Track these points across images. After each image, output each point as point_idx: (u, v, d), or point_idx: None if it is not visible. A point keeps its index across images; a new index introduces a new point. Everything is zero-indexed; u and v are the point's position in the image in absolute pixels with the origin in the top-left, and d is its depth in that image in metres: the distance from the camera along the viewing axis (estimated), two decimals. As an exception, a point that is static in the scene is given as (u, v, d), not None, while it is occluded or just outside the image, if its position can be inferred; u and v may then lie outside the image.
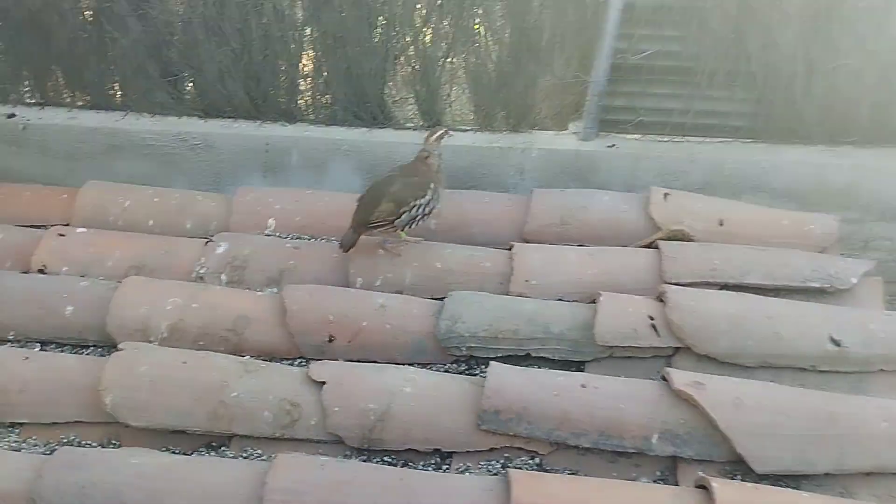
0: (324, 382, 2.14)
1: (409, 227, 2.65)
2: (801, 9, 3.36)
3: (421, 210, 2.65)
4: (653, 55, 3.44)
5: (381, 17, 3.42)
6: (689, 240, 2.70)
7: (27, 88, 3.53)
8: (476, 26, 3.45)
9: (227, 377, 2.14)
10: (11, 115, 3.43)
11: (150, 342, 2.33)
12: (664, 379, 2.19)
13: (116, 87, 3.52)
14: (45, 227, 2.83)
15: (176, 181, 3.54)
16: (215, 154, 3.49)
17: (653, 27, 3.41)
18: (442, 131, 2.79)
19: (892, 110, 3.54)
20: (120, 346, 2.24)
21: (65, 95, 3.54)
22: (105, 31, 3.36)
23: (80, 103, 3.55)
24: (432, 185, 2.69)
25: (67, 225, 2.85)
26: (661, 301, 2.39)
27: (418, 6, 3.41)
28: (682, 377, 2.14)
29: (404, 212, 2.61)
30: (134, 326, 2.35)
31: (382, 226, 2.61)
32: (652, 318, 2.34)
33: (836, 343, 2.28)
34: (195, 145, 3.47)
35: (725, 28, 3.39)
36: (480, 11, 3.43)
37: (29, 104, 3.53)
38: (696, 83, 3.49)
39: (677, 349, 2.33)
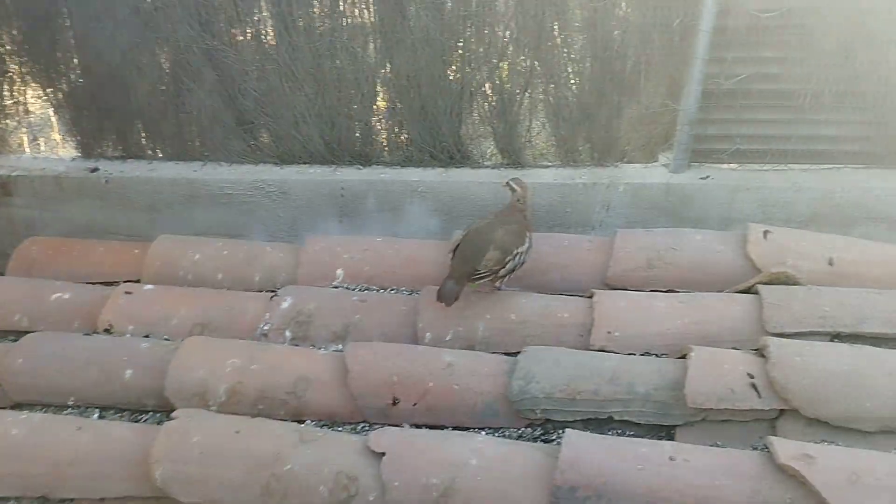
0: (383, 454, 1.98)
1: (509, 277, 2.51)
2: (917, 20, 3.03)
3: (521, 258, 2.51)
4: (749, 78, 3.19)
5: (455, 54, 3.30)
6: (794, 283, 2.41)
7: (109, 142, 3.58)
8: (555, 58, 3.27)
9: (282, 447, 2.01)
10: (95, 170, 3.48)
11: (209, 406, 2.24)
12: (766, 449, 1.92)
13: (194, 138, 3.53)
14: (116, 283, 2.81)
15: (253, 229, 3.51)
16: (291, 200, 3.44)
17: (748, 49, 3.16)
18: (527, 182, 2.65)
19: None
20: (173, 414, 2.15)
21: (145, 148, 3.57)
22: (182, 83, 3.38)
23: (159, 155, 3.58)
24: (528, 234, 2.55)
25: (138, 281, 2.83)
26: (763, 356, 2.12)
27: (493, 41, 3.27)
28: (787, 448, 1.87)
29: (509, 260, 2.47)
30: (192, 391, 2.26)
31: (487, 276, 2.47)
32: (752, 376, 2.08)
33: (970, 404, 1.96)
34: (271, 192, 3.43)
35: (830, 46, 3.10)
36: (559, 42, 3.25)
37: (111, 158, 3.58)
38: (799, 106, 3.21)
39: (782, 412, 2.06)
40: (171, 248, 2.90)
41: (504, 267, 2.45)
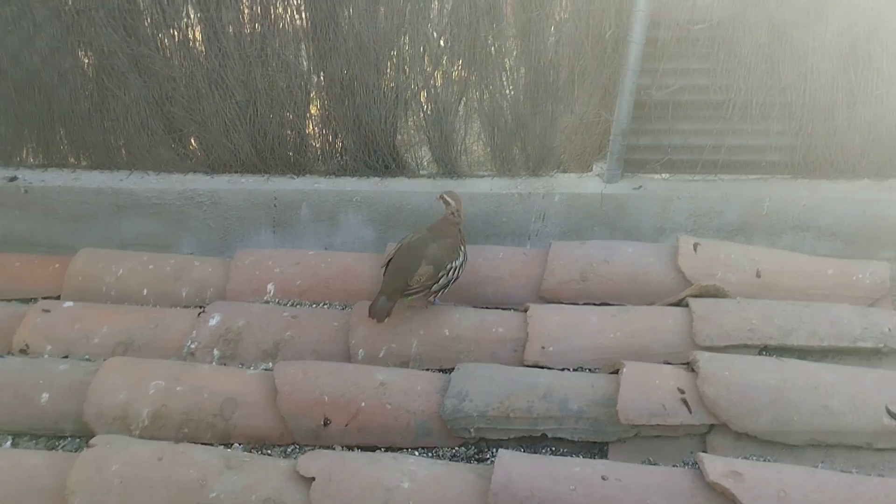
0: (313, 478, 1.92)
1: (443, 292, 2.47)
2: (839, 34, 3.12)
3: (455, 273, 2.47)
4: (680, 90, 3.23)
5: (389, 63, 3.26)
6: (724, 295, 2.45)
7: (29, 150, 3.43)
8: (490, 66, 3.26)
9: (207, 474, 1.94)
10: (13, 178, 3.34)
11: (131, 431, 2.16)
12: (697, 466, 1.94)
13: (120, 146, 3.40)
14: (35, 300, 2.69)
15: (183, 240, 3.41)
16: (222, 210, 3.36)
17: (678, 60, 3.20)
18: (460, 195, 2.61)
19: (945, 139, 3.27)
20: (91, 441, 2.05)
21: (68, 156, 3.44)
22: (106, 89, 3.26)
23: (83, 164, 3.45)
24: (462, 248, 2.51)
25: (58, 297, 2.71)
26: (693, 370, 2.15)
27: (428, 49, 3.24)
28: (717, 466, 1.89)
29: (442, 275, 2.43)
30: (113, 414, 2.17)
31: (420, 291, 2.42)
32: (682, 391, 2.10)
33: (894, 416, 2.01)
34: (201, 202, 3.34)
35: (757, 58, 3.16)
36: (494, 51, 3.24)
37: (31, 166, 3.44)
38: (728, 117, 3.26)
39: (712, 426, 2.08)
40: (94, 263, 2.79)
41: (437, 282, 2.42)
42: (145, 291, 2.70)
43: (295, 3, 3.16)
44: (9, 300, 2.79)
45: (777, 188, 3.34)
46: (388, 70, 3.28)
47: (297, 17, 3.21)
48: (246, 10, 3.19)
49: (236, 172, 3.43)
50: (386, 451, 2.19)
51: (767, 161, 3.37)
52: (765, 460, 2.05)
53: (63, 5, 3.12)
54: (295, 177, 3.43)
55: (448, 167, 3.45)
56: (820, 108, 3.23)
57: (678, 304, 2.47)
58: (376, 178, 3.42)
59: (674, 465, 2.08)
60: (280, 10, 3.20)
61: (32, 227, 3.36)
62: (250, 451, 2.18)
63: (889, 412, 2.02)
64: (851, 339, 2.24)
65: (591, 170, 3.48)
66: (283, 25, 3.20)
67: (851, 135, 3.27)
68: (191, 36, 3.22)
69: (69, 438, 2.29)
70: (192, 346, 2.43)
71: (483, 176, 3.46)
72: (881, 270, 2.51)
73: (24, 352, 2.49)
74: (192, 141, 3.42)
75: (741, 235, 3.34)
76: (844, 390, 2.05)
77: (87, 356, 2.47)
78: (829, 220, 3.30)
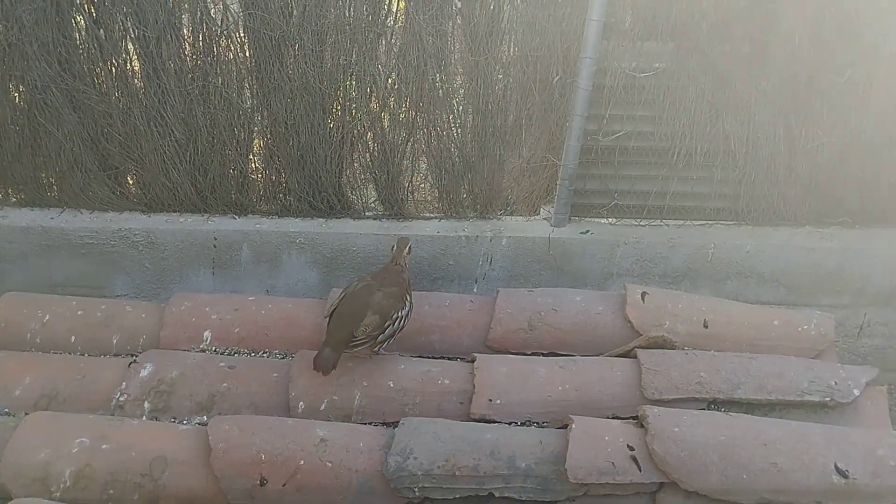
0: (244, 549, 1.82)
1: (388, 342, 2.39)
2: (779, 85, 3.19)
3: (401, 323, 2.40)
4: (625, 136, 3.25)
5: (335, 103, 3.20)
6: (672, 347, 2.43)
7: (-47, 185, 3.27)
8: (437, 109, 3.23)
9: (130, 543, 1.82)
10: (-65, 216, 3.17)
11: (52, 493, 2.01)
12: (647, 525, 1.90)
13: (51, 183, 3.26)
14: (-48, 349, 2.52)
15: (117, 281, 3.28)
16: (159, 251, 3.24)
17: (624, 107, 3.23)
18: (409, 244, 2.54)
19: (879, 189, 3.35)
20: (8, 504, 1.92)
21: (-6, 192, 3.29)
22: (38, 125, 3.12)
23: (12, 200, 3.29)
24: (408, 296, 2.44)
25: (-22, 346, 2.55)
26: (642, 426, 2.11)
27: (375, 90, 3.20)
28: (663, 529, 1.85)
29: (388, 325, 2.35)
30: (32, 475, 2.02)
31: (365, 342, 2.34)
32: (632, 448, 2.05)
33: (843, 475, 2.00)
34: (137, 242, 3.22)
35: (700, 106, 3.21)
36: (441, 94, 3.21)
37: (-46, 202, 3.28)
38: (673, 164, 3.30)
39: (662, 484, 2.04)
40: (18, 308, 2.62)
41: (383, 332, 2.35)
42: (73, 339, 2.55)
43: (238, 40, 3.08)
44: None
45: (721, 234, 3.37)
46: (335, 110, 3.23)
47: (240, 54, 3.14)
48: (188, 46, 3.10)
49: (175, 212, 3.31)
50: (326, 513, 2.09)
51: (711, 207, 3.41)
52: (715, 524, 2.02)
53: (-7, 37, 2.99)
54: (236, 217, 3.33)
55: (395, 209, 3.39)
56: (762, 157, 3.28)
57: (626, 354, 2.45)
58: (321, 220, 3.34)
59: (624, 528, 2.04)
60: (224, 45, 3.12)
61: (-46, 268, 3.19)
62: (180, 515, 2.06)
63: (838, 470, 2.01)
64: (798, 393, 2.24)
65: (539, 213, 3.47)
66: (227, 62, 3.12)
67: (792, 183, 3.33)
68: (129, 71, 3.11)
69: (-16, 503, 2.14)
70: (122, 399, 2.30)
71: (430, 218, 3.42)
72: (826, 322, 2.53)
73: (-62, 406, 2.33)
74: (129, 179, 3.30)
75: (686, 281, 3.36)
76: (793, 447, 2.03)
77: (6, 410, 2.31)
78: (772, 267, 3.35)
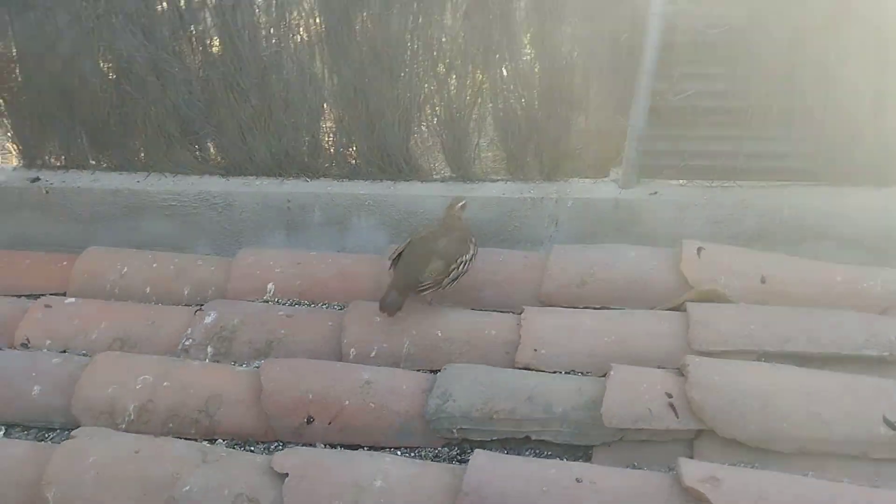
0: (286, 475, 1.91)
1: (452, 285, 2.48)
2: (862, 38, 3.02)
3: (465, 267, 2.49)
4: (697, 95, 3.16)
5: (403, 67, 3.26)
6: (725, 301, 2.38)
7: (51, 152, 3.51)
8: (504, 70, 3.24)
9: (181, 469, 1.93)
10: (36, 179, 3.42)
11: (118, 425, 2.17)
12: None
13: (138, 148, 3.47)
14: (42, 296, 2.74)
15: (198, 241, 3.45)
16: (237, 213, 3.39)
17: (695, 65, 3.14)
18: (463, 201, 2.62)
19: (973, 146, 3.14)
20: (73, 433, 2.07)
21: (88, 157, 3.51)
22: (125, 93, 3.32)
23: (103, 165, 3.52)
24: (472, 240, 2.53)
25: (64, 294, 2.76)
26: (683, 375, 2.08)
27: (441, 54, 3.23)
28: (695, 471, 1.82)
29: (453, 269, 2.44)
30: (100, 408, 2.19)
31: (431, 286, 2.44)
32: (670, 396, 2.03)
33: (892, 426, 1.92)
34: (216, 204, 3.38)
35: (777, 62, 3.08)
36: (507, 56, 3.22)
37: (53, 168, 3.52)
38: (747, 123, 3.18)
39: (700, 432, 2.01)
40: (99, 261, 2.83)
41: (448, 276, 2.42)
42: (148, 289, 2.73)
43: (308, 7, 3.18)
44: (18, 296, 2.84)
45: (798, 196, 3.23)
46: (402, 74, 3.28)
47: (311, 22, 3.23)
48: (262, 15, 3.22)
49: (251, 175, 3.46)
50: (368, 450, 2.17)
51: (787, 167, 3.28)
52: (752, 467, 1.97)
53: (83, 10, 3.19)
54: (309, 180, 3.44)
55: (461, 171, 3.43)
56: (842, 114, 3.13)
57: (677, 308, 2.41)
58: (389, 182, 3.42)
59: (658, 471, 2.02)
60: (295, 15, 3.23)
61: (53, 229, 3.43)
62: (233, 448, 2.18)
63: (886, 421, 1.92)
64: (855, 347, 2.15)
65: (608, 175, 3.43)
66: (297, 28, 3.23)
67: (875, 141, 3.16)
68: (208, 40, 3.26)
69: (58, 431, 2.32)
70: (187, 343, 2.45)
71: (496, 180, 3.44)
72: (892, 278, 2.41)
73: (24, 345, 2.54)
74: (209, 144, 3.47)
75: (759, 244, 3.24)
76: (839, 397, 1.97)
77: (83, 351, 2.50)
78: (851, 229, 3.19)
